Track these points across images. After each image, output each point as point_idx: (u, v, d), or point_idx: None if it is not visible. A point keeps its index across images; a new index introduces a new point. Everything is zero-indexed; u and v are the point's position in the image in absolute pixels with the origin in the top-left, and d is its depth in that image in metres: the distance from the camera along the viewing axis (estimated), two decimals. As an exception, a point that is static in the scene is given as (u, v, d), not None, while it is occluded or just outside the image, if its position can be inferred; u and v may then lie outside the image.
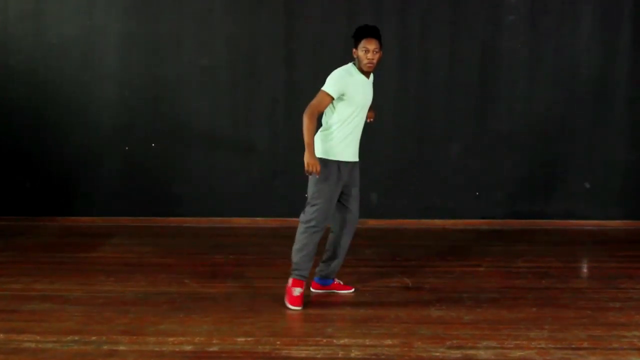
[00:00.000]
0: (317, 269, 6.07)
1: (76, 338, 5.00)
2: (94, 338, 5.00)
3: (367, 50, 5.64)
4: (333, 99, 5.62)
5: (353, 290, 6.10)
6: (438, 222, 8.79)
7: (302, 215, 5.82)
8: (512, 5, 8.57)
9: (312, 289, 6.07)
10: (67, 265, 6.91)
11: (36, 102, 8.81)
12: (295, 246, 5.80)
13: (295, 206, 8.77)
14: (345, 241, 5.97)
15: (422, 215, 8.82)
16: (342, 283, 6.16)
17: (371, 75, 5.85)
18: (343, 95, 5.65)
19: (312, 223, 5.73)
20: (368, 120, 6.02)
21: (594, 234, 8.45)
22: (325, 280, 6.08)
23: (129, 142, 8.84)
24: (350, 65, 5.76)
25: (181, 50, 8.75)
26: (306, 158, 5.56)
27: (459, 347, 4.84)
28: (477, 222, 8.79)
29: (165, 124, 8.83)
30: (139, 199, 8.89)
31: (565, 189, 8.80)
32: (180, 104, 8.80)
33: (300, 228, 5.79)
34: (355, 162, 5.87)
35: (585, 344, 4.90)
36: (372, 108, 6.01)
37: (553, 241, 8.06)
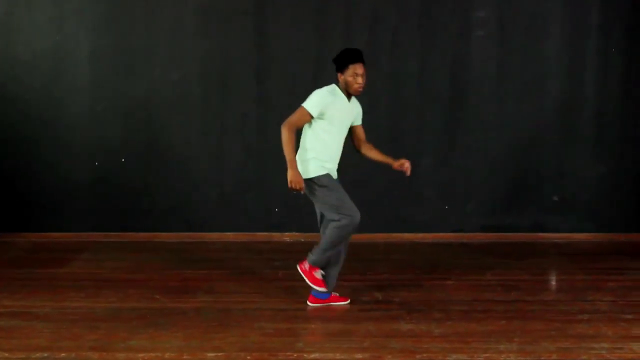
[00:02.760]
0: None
1: (45, 354, 4.96)
2: (63, 354, 4.97)
3: (357, 75, 5.75)
4: (312, 117, 5.69)
5: (349, 301, 6.19)
6: (408, 236, 8.83)
7: (334, 223, 5.79)
8: (481, 20, 8.66)
9: (310, 303, 6.10)
10: (36, 281, 6.87)
11: (6, 117, 8.78)
12: (323, 247, 5.85)
13: (266, 221, 8.82)
14: (343, 252, 6.08)
15: (393, 229, 8.87)
16: (338, 295, 6.23)
17: (352, 98, 5.95)
18: (323, 114, 5.73)
19: (345, 221, 5.75)
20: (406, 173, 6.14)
21: (562, 246, 8.51)
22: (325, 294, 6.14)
23: (99, 157, 8.82)
24: (334, 86, 5.85)
25: (152, 65, 8.75)
26: (290, 175, 5.64)
27: (429, 361, 4.87)
28: (447, 235, 8.83)
29: (135, 138, 8.82)
30: (109, 214, 8.86)
31: (534, 203, 8.87)
32: (151, 118, 8.80)
33: (334, 232, 5.79)
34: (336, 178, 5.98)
35: (554, 356, 4.93)
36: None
37: (522, 254, 8.11)
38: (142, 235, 8.79)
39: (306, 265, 5.94)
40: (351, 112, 5.97)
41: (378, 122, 8.78)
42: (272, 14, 8.69)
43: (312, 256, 5.92)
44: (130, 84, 8.76)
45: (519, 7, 8.69)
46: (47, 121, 8.76)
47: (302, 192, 5.78)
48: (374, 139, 8.70)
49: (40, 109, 8.75)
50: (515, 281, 6.91)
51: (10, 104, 8.76)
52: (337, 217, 5.75)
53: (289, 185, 5.65)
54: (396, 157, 8.78)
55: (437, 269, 7.40)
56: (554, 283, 7.15)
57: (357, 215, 5.77)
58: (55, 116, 8.77)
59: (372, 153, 6.24)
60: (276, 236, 8.76)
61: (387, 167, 8.74)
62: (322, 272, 5.99)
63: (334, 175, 5.96)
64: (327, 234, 5.82)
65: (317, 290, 5.98)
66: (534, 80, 8.76)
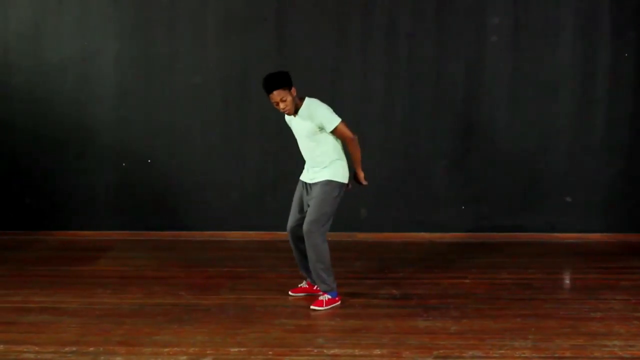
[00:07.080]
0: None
1: (74, 349, 5.09)
2: (91, 349, 5.09)
3: (277, 104, 6.05)
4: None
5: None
6: (425, 235, 8.87)
7: (315, 234, 6.02)
8: (495, 26, 8.69)
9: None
10: (64, 278, 6.98)
11: (36, 121, 8.90)
12: (320, 269, 6.06)
13: (286, 220, 8.91)
14: None
15: (410, 229, 8.91)
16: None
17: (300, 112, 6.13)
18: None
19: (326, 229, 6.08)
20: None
21: (575, 246, 8.50)
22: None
23: (125, 159, 8.92)
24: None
25: (175, 70, 8.84)
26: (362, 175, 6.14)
27: (445, 357, 4.95)
28: (463, 235, 8.86)
29: (160, 141, 8.92)
30: (135, 214, 8.96)
31: (547, 203, 8.88)
32: (174, 121, 8.88)
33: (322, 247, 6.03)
34: None
35: (567, 354, 5.00)
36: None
37: (536, 253, 8.11)
38: (167, 234, 8.86)
39: (325, 297, 6.11)
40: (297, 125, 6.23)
41: (395, 125, 8.86)
42: (292, 21, 8.76)
43: (322, 285, 6.11)
44: (154, 88, 8.86)
45: (533, 13, 8.69)
46: (75, 124, 8.87)
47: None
48: (390, 141, 8.82)
49: (69, 113, 8.86)
50: (529, 280, 6.95)
51: (40, 107, 8.87)
52: (323, 223, 6.00)
53: (365, 182, 6.13)
54: (412, 159, 8.94)
55: (453, 267, 7.45)
56: (567, 282, 7.17)
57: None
58: (83, 119, 8.88)
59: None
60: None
61: (404, 171, 8.86)
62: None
63: None
64: (314, 255, 6.02)
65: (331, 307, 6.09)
66: (547, 83, 8.77)
